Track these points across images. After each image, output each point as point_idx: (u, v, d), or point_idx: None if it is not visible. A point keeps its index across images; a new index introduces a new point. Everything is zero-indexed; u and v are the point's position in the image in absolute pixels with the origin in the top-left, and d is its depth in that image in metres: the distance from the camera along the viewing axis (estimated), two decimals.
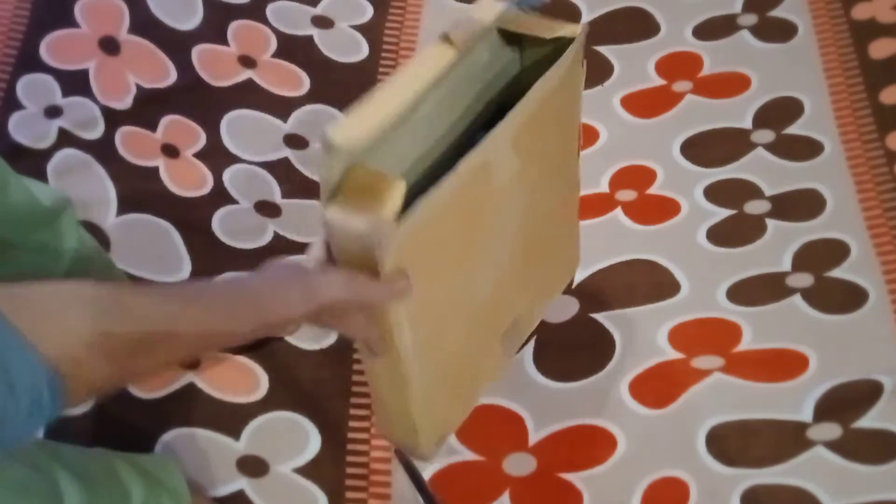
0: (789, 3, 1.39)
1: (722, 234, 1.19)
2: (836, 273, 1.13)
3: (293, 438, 1.03)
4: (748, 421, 1.02)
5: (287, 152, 1.27)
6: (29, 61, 1.24)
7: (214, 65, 1.31)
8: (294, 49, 1.37)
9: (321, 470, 1.02)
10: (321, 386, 1.07)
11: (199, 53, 1.31)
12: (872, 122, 1.24)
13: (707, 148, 1.27)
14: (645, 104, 1.33)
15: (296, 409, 1.05)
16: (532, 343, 1.11)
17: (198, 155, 1.23)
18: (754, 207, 1.21)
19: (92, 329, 0.51)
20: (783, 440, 1.00)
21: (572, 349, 1.10)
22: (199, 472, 0.99)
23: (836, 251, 1.15)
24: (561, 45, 0.77)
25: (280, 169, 1.25)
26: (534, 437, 1.04)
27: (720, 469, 0.99)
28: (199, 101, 1.27)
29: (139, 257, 1.11)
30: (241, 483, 1.00)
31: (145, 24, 1.30)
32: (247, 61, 1.33)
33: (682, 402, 1.04)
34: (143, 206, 1.16)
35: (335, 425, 1.04)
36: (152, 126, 1.23)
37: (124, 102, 1.24)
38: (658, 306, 1.13)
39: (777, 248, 1.16)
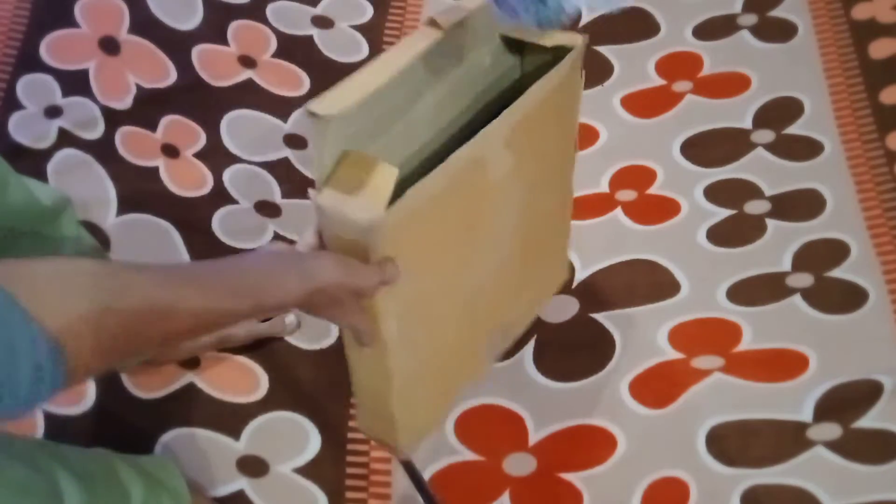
0: (789, 3, 1.39)
1: (722, 234, 1.19)
2: (836, 273, 1.13)
3: (293, 438, 1.03)
4: (748, 421, 1.02)
5: (287, 152, 1.27)
6: (29, 61, 1.25)
7: (214, 65, 1.31)
8: (294, 49, 1.37)
9: (321, 470, 1.02)
10: (321, 386, 1.07)
11: (199, 53, 1.31)
12: (872, 122, 1.24)
13: (707, 148, 1.27)
14: (645, 104, 1.33)
15: (296, 409, 1.05)
16: (532, 343, 1.11)
17: (198, 155, 1.23)
18: (754, 207, 1.21)
19: (91, 304, 0.51)
20: (783, 440, 1.00)
21: (572, 349, 1.10)
22: (199, 472, 0.99)
23: (836, 251, 1.15)
24: (561, 52, 0.78)
25: (280, 169, 1.25)
26: (534, 437, 1.04)
27: (720, 469, 0.99)
28: (199, 101, 1.28)
29: (139, 257, 1.11)
30: (241, 483, 1.00)
31: (145, 24, 1.30)
32: (247, 61, 1.33)
33: (682, 402, 1.04)
34: (143, 206, 1.16)
35: (335, 425, 1.04)
36: (152, 126, 1.23)
37: (124, 102, 1.24)
38: (658, 306, 1.13)
39: (777, 248, 1.16)
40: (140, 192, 1.17)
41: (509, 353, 1.10)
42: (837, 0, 1.37)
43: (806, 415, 1.01)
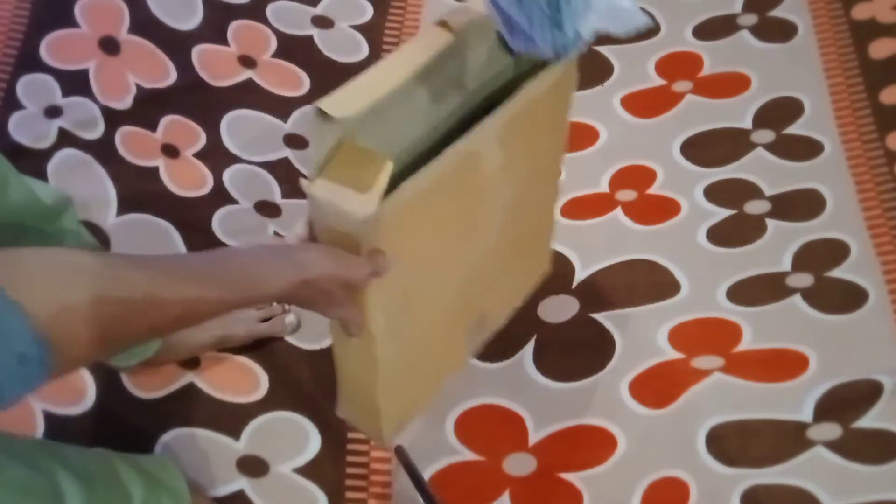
0: (789, 3, 1.39)
1: (722, 234, 1.19)
2: (836, 273, 1.13)
3: (293, 438, 1.03)
4: (748, 421, 1.02)
5: (287, 152, 1.27)
6: (29, 61, 1.25)
7: (214, 65, 1.31)
8: (294, 49, 1.37)
9: (321, 470, 1.02)
10: (321, 386, 1.07)
11: (199, 53, 1.31)
12: (872, 122, 1.24)
13: (707, 148, 1.27)
14: (645, 104, 1.33)
15: (296, 409, 1.05)
16: (532, 343, 1.11)
17: (198, 155, 1.23)
18: (754, 207, 1.21)
19: (78, 294, 0.51)
20: (783, 440, 1.00)
21: (572, 349, 1.10)
22: (199, 472, 0.99)
23: (836, 251, 1.15)
24: None
25: (280, 169, 1.25)
26: (534, 437, 1.04)
27: (720, 469, 0.99)
28: (199, 101, 1.27)
29: None
30: (241, 483, 1.00)
31: (145, 24, 1.30)
32: (247, 61, 1.33)
33: (682, 402, 1.04)
34: (143, 206, 1.16)
35: (335, 425, 1.04)
36: (152, 126, 1.23)
37: (124, 102, 1.24)
38: (658, 306, 1.13)
39: (777, 248, 1.16)
40: (140, 192, 1.17)
41: (509, 353, 1.10)
42: (837, 0, 1.37)
43: (806, 415, 1.01)
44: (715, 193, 1.23)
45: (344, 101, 0.63)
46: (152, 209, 1.16)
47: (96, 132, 1.20)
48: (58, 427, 0.99)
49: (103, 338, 0.53)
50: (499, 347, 1.10)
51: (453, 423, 1.05)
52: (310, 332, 1.10)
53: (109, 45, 1.27)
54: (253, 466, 1.01)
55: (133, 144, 1.21)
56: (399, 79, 0.67)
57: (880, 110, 1.25)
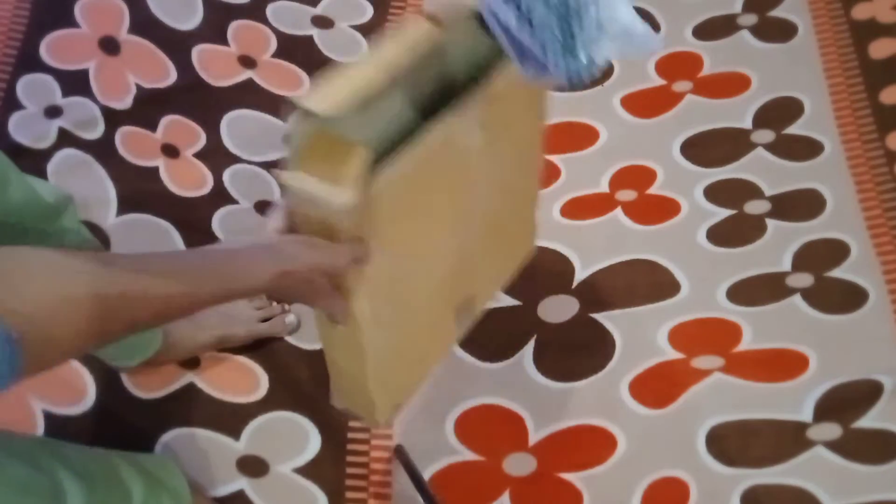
0: (789, 3, 1.39)
1: (722, 234, 1.19)
2: (836, 273, 1.13)
3: (293, 438, 1.03)
4: (748, 421, 1.02)
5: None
6: (29, 61, 1.24)
7: (214, 65, 1.31)
8: (294, 49, 1.37)
9: (321, 470, 1.02)
10: (321, 386, 1.06)
11: (199, 53, 1.31)
12: (872, 122, 1.24)
13: (707, 148, 1.27)
14: (645, 104, 1.33)
15: (296, 409, 1.05)
16: (532, 343, 1.11)
17: (198, 155, 1.23)
18: (754, 207, 1.21)
19: (54, 291, 0.51)
20: (783, 440, 1.00)
21: (572, 349, 1.10)
22: (199, 472, 0.99)
23: (836, 251, 1.15)
24: None
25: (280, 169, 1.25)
26: (534, 437, 1.04)
27: (720, 469, 0.99)
28: (199, 101, 1.27)
29: None
30: (241, 483, 1.00)
31: (145, 24, 1.30)
32: (247, 61, 1.33)
33: (682, 402, 1.04)
34: (143, 206, 1.16)
35: (335, 425, 1.04)
36: (152, 126, 1.23)
37: (124, 102, 1.24)
38: (658, 306, 1.13)
39: (777, 248, 1.16)
40: (140, 192, 1.17)
41: (509, 353, 1.10)
42: (837, 0, 1.37)
43: (806, 415, 1.01)
44: (715, 193, 1.23)
45: (326, 96, 0.63)
46: (152, 209, 1.16)
47: (96, 132, 1.20)
48: (58, 427, 0.99)
49: (80, 335, 0.53)
50: (499, 347, 1.11)
51: (453, 423, 1.05)
52: (310, 332, 1.10)
53: (109, 45, 1.27)
54: (253, 466, 1.01)
55: (133, 144, 1.21)
56: (380, 72, 0.66)
57: (880, 110, 1.25)
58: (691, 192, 1.23)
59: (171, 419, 1.02)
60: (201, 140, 1.25)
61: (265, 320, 1.09)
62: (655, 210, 1.22)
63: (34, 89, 1.23)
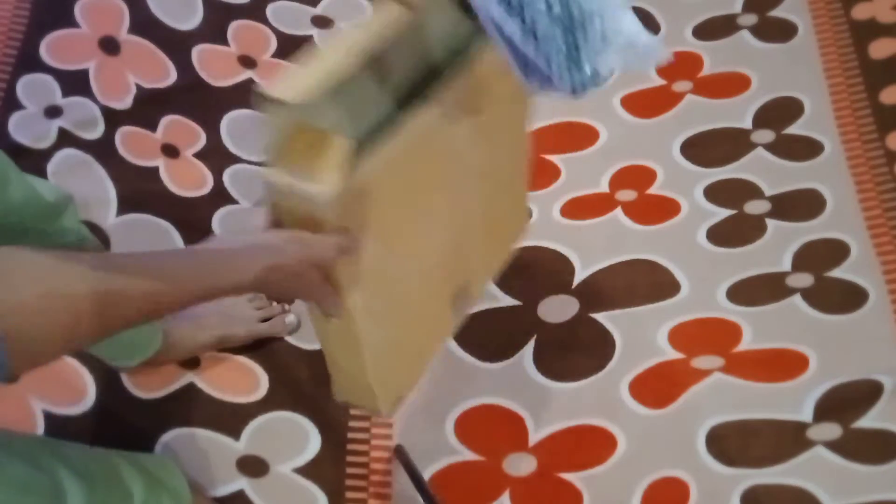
0: (789, 3, 1.39)
1: (722, 234, 1.19)
2: (836, 273, 1.13)
3: (293, 438, 1.03)
4: (748, 421, 1.02)
5: None
6: (29, 61, 1.24)
7: (214, 65, 1.31)
8: (294, 49, 1.37)
9: (321, 470, 1.02)
10: (321, 386, 1.06)
11: (199, 53, 1.31)
12: (872, 122, 1.24)
13: (707, 148, 1.27)
14: (645, 104, 1.33)
15: (296, 409, 1.05)
16: (532, 343, 1.11)
17: (198, 155, 1.23)
18: (754, 207, 1.21)
19: (37, 290, 0.51)
20: (783, 440, 1.00)
21: (572, 349, 1.10)
22: (199, 472, 0.99)
23: (836, 251, 1.15)
24: None
25: None
26: (534, 437, 1.04)
27: (720, 469, 0.99)
28: (199, 101, 1.27)
29: None
30: (241, 483, 1.00)
31: (145, 24, 1.30)
32: (247, 61, 1.33)
33: (682, 402, 1.04)
34: (143, 206, 1.16)
35: (335, 425, 1.04)
36: (152, 126, 1.23)
37: (124, 102, 1.24)
38: (658, 306, 1.13)
39: (777, 248, 1.16)
40: (140, 192, 1.17)
41: (509, 353, 1.10)
42: (837, 0, 1.37)
43: (806, 415, 1.01)
44: (715, 193, 1.23)
45: (294, 84, 0.62)
46: (152, 209, 1.16)
47: (96, 132, 1.20)
48: (58, 427, 0.99)
49: (64, 334, 0.53)
50: (499, 347, 1.11)
51: (453, 423, 1.05)
52: (310, 332, 1.10)
53: (109, 45, 1.27)
54: (253, 466, 1.01)
55: (133, 144, 1.21)
56: (348, 56, 0.65)
57: (880, 110, 1.25)
58: (691, 192, 1.23)
59: (171, 419, 1.02)
60: (201, 140, 1.25)
61: (265, 320, 1.09)
62: (655, 210, 1.22)
63: (34, 89, 1.23)
